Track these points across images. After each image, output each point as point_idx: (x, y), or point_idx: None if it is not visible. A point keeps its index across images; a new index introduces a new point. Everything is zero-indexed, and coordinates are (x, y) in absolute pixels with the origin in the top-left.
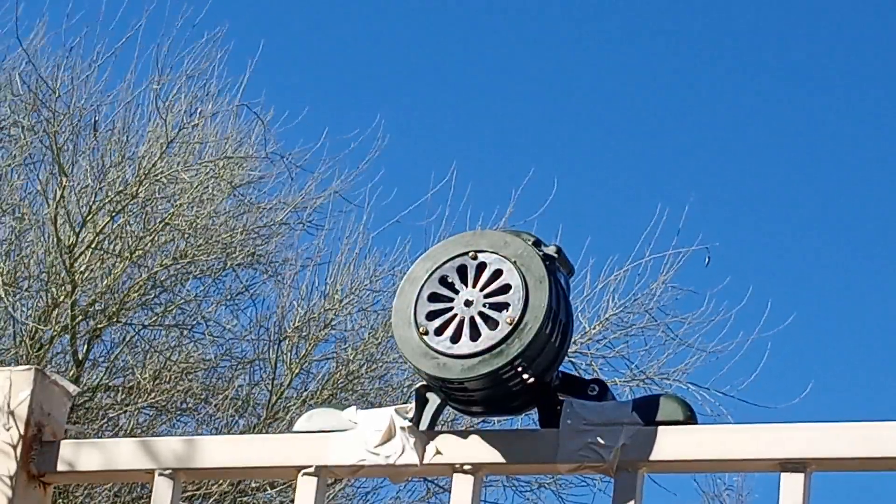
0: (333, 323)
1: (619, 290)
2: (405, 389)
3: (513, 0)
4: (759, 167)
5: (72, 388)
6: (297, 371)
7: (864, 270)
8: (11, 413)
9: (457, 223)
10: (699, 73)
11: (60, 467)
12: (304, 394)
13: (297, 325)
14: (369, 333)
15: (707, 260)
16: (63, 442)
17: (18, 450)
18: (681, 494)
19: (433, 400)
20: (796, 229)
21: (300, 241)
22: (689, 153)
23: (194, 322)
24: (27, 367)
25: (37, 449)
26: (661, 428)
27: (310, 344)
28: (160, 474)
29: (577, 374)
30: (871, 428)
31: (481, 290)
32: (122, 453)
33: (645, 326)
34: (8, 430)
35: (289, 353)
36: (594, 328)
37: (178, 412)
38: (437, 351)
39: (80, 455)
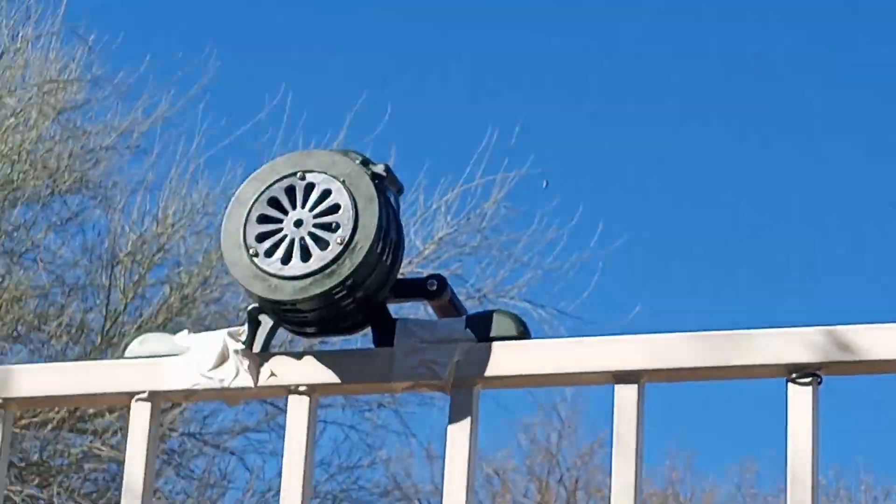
0: (166, 247)
1: (452, 210)
2: (241, 312)
3: None
4: (591, 85)
5: None
6: (131, 296)
7: (690, 192)
8: None
9: (290, 146)
10: None
11: None
12: (140, 319)
13: (129, 249)
14: (203, 257)
15: (545, 184)
16: None
17: None
18: (517, 408)
19: (266, 322)
20: (625, 149)
21: (129, 165)
22: (519, 72)
23: (24, 249)
24: None
25: None
26: (495, 344)
27: (143, 268)
28: None
29: (412, 277)
30: (701, 338)
31: (310, 210)
32: None
33: (478, 246)
34: None
35: (122, 279)
36: (428, 248)
37: (11, 340)
38: (267, 273)
39: None
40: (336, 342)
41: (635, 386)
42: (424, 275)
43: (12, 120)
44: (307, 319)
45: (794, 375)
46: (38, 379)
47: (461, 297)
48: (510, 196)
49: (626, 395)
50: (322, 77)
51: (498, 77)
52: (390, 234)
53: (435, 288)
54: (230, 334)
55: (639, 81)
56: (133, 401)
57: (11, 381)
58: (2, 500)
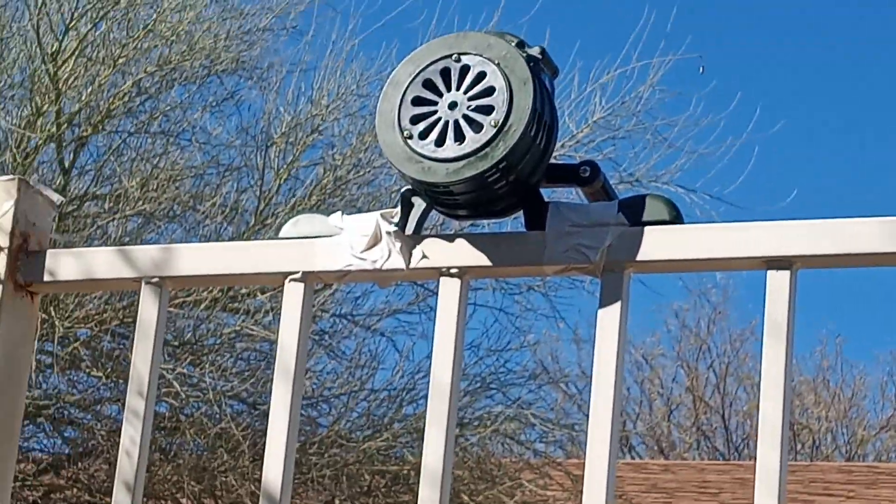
0: (320, 128)
1: (606, 93)
2: (394, 194)
3: None
4: None
5: (56, 198)
6: (284, 177)
7: (850, 78)
8: None
9: (444, 27)
10: None
11: (46, 277)
12: (292, 200)
13: (283, 130)
14: (357, 138)
15: (702, 69)
16: (49, 252)
17: (3, 261)
18: (667, 293)
19: (419, 204)
20: (784, 35)
21: (285, 46)
22: None
23: (180, 129)
24: (10, 177)
25: (23, 259)
26: (647, 228)
27: (297, 150)
28: (146, 283)
29: (566, 163)
30: (855, 224)
31: (465, 92)
32: (106, 262)
33: (632, 129)
34: None
35: (276, 160)
36: (582, 131)
37: (166, 220)
38: (421, 155)
39: (66, 264)
40: (487, 225)
41: (788, 272)
42: (577, 160)
43: (171, 1)
44: (459, 202)
45: None
46: (194, 258)
47: (614, 182)
48: (666, 79)
49: (778, 281)
50: None
51: None
52: (544, 117)
53: (588, 174)
54: (383, 216)
55: None
56: (287, 281)
57: (169, 259)
58: (157, 378)
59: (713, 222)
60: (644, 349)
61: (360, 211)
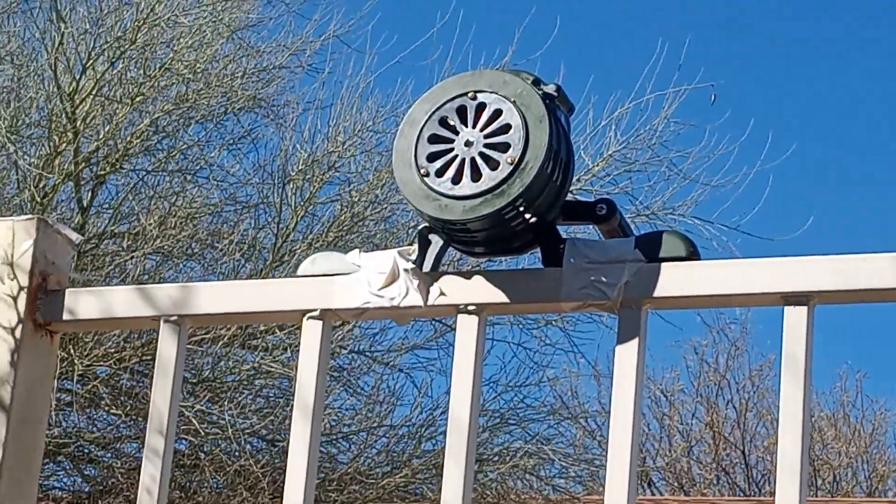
0: (337, 165)
1: (621, 126)
2: (411, 231)
3: None
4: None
5: (74, 237)
6: (301, 214)
7: (865, 102)
8: (15, 263)
9: (459, 63)
10: None
11: (66, 316)
12: (310, 236)
13: (300, 167)
14: (373, 175)
15: (713, 98)
16: (68, 290)
17: (23, 300)
18: (686, 329)
19: (436, 241)
20: (796, 61)
21: (301, 84)
22: None
23: (198, 167)
24: (30, 216)
25: (42, 298)
26: (664, 264)
27: (314, 186)
28: (165, 321)
29: (582, 200)
30: (872, 260)
31: (481, 130)
32: (125, 301)
33: (648, 162)
34: (12, 280)
35: (293, 196)
36: (597, 165)
37: (185, 257)
38: (438, 192)
39: (85, 303)
40: (504, 262)
41: (805, 308)
42: (594, 194)
43: (187, 39)
44: (476, 239)
45: None
46: (213, 296)
47: (630, 215)
48: (680, 111)
49: (795, 317)
50: None
51: None
52: (560, 154)
53: (604, 212)
54: (400, 253)
55: None
56: (305, 318)
57: (188, 297)
58: (176, 415)
59: (730, 257)
60: (663, 385)
61: (377, 247)
